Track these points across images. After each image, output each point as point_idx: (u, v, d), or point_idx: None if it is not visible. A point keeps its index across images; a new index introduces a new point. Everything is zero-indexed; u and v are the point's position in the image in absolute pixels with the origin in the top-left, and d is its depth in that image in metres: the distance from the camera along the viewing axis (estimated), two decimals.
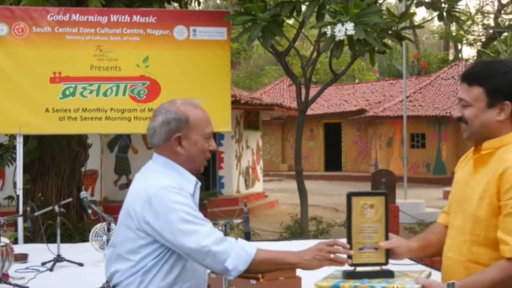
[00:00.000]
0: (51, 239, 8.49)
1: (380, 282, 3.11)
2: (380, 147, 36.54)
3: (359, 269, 3.26)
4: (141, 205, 3.18)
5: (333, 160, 40.43)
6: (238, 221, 6.42)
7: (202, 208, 14.06)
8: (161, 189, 3.17)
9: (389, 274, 3.23)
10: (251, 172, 23.96)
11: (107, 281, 5.98)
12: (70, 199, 9.20)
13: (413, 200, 19.68)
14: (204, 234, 3.14)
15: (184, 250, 3.16)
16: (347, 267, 3.30)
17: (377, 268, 3.28)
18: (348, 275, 3.22)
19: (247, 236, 6.39)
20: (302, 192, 12.07)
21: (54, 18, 10.24)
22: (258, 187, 24.74)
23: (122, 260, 3.25)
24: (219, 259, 3.17)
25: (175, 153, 3.30)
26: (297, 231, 12.17)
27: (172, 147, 3.29)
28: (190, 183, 3.32)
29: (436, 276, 3.37)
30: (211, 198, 14.75)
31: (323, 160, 41.09)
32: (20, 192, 10.20)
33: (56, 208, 7.72)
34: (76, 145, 12.21)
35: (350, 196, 3.27)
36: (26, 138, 11.14)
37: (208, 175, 20.95)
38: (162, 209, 3.14)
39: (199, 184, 3.40)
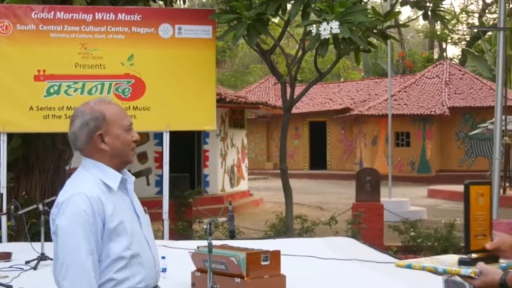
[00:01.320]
0: (35, 237, 8.48)
1: (444, 265, 3.30)
2: (365, 146, 36.62)
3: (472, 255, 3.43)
4: (56, 207, 3.29)
5: (318, 159, 40.48)
6: (223, 219, 6.42)
7: (187, 206, 14.08)
8: (73, 198, 3.23)
9: (496, 260, 3.35)
10: (236, 171, 23.95)
11: None
12: (54, 198, 9.11)
13: (397, 199, 19.75)
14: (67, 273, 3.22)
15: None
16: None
17: (485, 253, 3.45)
18: (463, 263, 3.34)
19: (232, 235, 6.40)
20: (287, 191, 12.08)
21: (38, 16, 10.21)
22: (243, 185, 24.74)
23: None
24: None
25: (100, 152, 3.34)
26: (282, 229, 12.18)
27: (96, 146, 3.33)
28: (114, 180, 3.34)
29: None
30: (196, 197, 14.71)
31: (308, 158, 41.14)
32: (3, 191, 10.17)
33: (40, 206, 7.70)
34: (60, 143, 12.15)
35: (468, 185, 3.43)
36: (10, 136, 11.09)
37: (193, 173, 20.93)
38: (66, 219, 3.23)
39: (130, 180, 3.46)
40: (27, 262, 7.52)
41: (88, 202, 3.20)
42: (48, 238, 8.23)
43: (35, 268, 7.37)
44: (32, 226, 9.62)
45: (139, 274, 3.31)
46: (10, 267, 7.37)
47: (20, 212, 7.99)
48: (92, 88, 10.35)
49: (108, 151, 3.34)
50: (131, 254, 3.28)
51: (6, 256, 7.78)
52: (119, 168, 3.40)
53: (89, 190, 3.24)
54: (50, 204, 8.72)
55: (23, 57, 10.20)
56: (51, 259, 7.56)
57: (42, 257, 7.55)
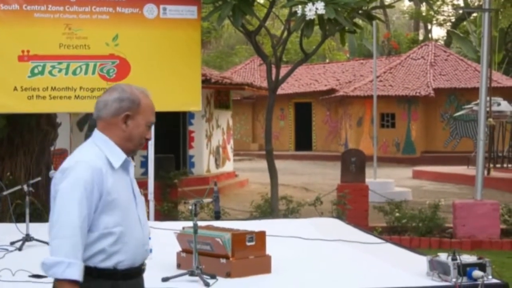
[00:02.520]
0: (20, 218, 8.45)
1: None
2: (350, 127, 36.68)
3: None
4: (61, 172, 3.48)
5: (303, 140, 40.51)
6: (208, 200, 6.44)
7: (172, 187, 14.05)
8: (79, 165, 3.45)
9: None
10: (222, 152, 23.95)
11: None
12: (39, 179, 9.13)
13: (382, 180, 19.81)
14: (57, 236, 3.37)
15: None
16: None
17: None
18: None
19: (217, 215, 6.42)
20: (272, 172, 12.09)
21: None
22: (229, 166, 24.74)
23: None
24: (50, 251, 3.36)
25: (117, 129, 3.57)
26: (267, 210, 12.19)
27: (117, 123, 3.56)
28: (118, 159, 3.56)
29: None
30: (181, 178, 14.70)
31: (293, 139, 41.18)
32: None
33: (25, 187, 7.68)
34: (45, 124, 12.12)
35: None
36: None
37: (179, 155, 20.91)
38: (68, 183, 3.41)
39: (131, 163, 3.68)
40: (12, 243, 7.51)
41: (89, 171, 3.42)
42: (33, 219, 8.22)
43: (20, 249, 7.36)
44: (17, 207, 9.59)
45: (128, 251, 3.50)
46: None
47: (4, 193, 7.97)
48: (76, 68, 10.30)
49: (125, 132, 3.57)
50: (121, 230, 3.47)
51: None
52: (126, 152, 3.62)
53: (93, 160, 3.47)
54: (35, 185, 8.71)
55: (7, 38, 10.13)
56: (36, 240, 7.56)
57: (27, 238, 7.54)
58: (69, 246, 3.31)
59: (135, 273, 3.58)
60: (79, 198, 3.36)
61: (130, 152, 3.64)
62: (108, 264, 3.44)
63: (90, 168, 3.41)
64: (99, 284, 3.44)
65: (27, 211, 7.69)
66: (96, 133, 3.60)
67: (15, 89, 10.12)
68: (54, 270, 3.30)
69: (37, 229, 7.93)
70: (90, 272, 3.39)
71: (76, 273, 3.30)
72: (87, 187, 3.38)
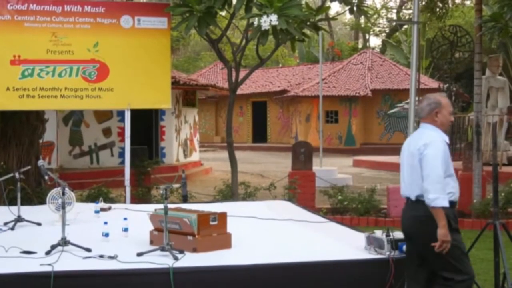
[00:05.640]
0: (12, 202, 8.34)
1: None
2: (299, 122, 36.79)
3: None
4: (423, 145, 5.17)
5: (259, 133, 40.55)
6: (177, 185, 6.43)
7: (146, 174, 13.97)
8: (435, 140, 5.18)
9: None
10: (189, 144, 23.87)
11: (62, 238, 5.91)
12: (29, 167, 9.02)
13: (327, 167, 19.89)
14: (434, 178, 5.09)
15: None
16: None
17: None
18: None
19: (185, 199, 6.40)
20: (233, 161, 12.08)
21: (13, 7, 10.03)
22: (195, 156, 24.67)
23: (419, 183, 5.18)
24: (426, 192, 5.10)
25: (433, 121, 5.32)
26: (228, 194, 12.17)
27: (432, 117, 5.32)
28: (446, 138, 5.28)
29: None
30: (154, 166, 14.59)
31: (251, 133, 41.18)
32: None
33: (17, 175, 7.59)
34: (34, 119, 11.97)
35: None
36: None
37: (151, 146, 20.79)
38: (432, 150, 5.14)
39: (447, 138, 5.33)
40: (5, 223, 7.41)
41: (443, 143, 5.21)
42: (23, 203, 8.11)
43: (12, 228, 7.27)
44: (9, 192, 9.46)
45: (456, 191, 5.26)
46: None
47: None
48: (62, 71, 10.22)
49: (438, 122, 5.31)
50: (451, 178, 5.22)
51: None
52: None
53: (441, 138, 5.23)
54: (26, 173, 8.59)
55: (0, 44, 10.01)
56: (27, 220, 7.47)
57: (19, 219, 7.44)
58: (440, 187, 5.02)
59: (456, 204, 5.31)
60: (441, 159, 5.07)
61: (444, 132, 5.30)
62: (452, 197, 5.14)
63: (443, 142, 5.19)
64: (450, 210, 5.13)
65: (19, 195, 7.60)
66: (425, 124, 5.34)
67: (8, 89, 10.01)
68: (436, 202, 4.99)
69: (27, 211, 7.84)
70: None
71: (446, 203, 5.04)
72: (445, 151, 5.13)
